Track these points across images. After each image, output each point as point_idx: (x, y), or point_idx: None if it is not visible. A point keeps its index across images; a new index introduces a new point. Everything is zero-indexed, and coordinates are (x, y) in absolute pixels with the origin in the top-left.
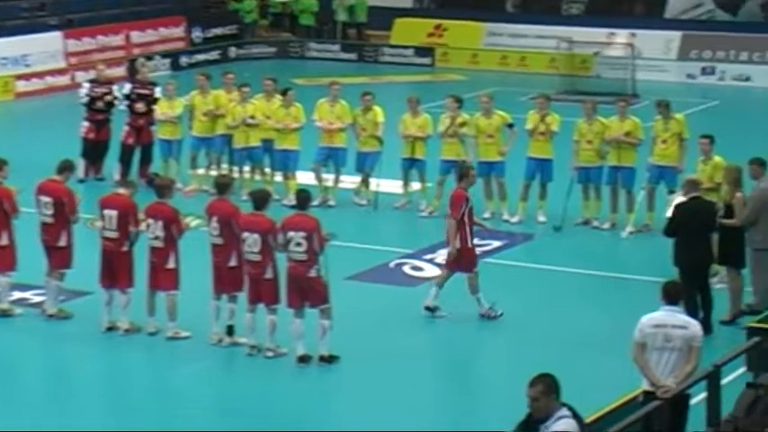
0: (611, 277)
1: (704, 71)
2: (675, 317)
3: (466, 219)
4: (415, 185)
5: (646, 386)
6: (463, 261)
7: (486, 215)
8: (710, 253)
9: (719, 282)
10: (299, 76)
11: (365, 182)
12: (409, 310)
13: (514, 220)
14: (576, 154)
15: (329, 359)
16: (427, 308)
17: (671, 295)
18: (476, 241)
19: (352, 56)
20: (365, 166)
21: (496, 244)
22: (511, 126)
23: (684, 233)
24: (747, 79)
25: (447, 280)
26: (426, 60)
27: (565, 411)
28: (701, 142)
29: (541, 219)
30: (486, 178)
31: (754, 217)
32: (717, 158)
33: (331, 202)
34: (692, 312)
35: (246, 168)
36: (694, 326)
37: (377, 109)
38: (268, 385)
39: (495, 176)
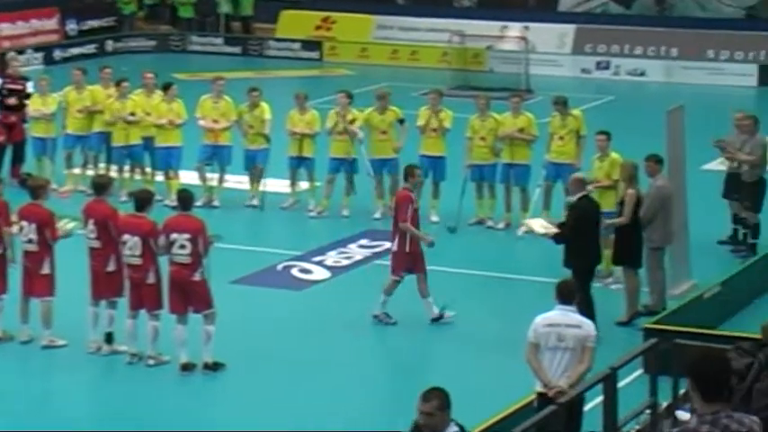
0: (505, 278)
1: (599, 66)
2: (569, 316)
3: (410, 220)
4: (304, 185)
5: (539, 387)
6: (415, 263)
7: (377, 215)
8: (599, 254)
9: (615, 282)
10: (181, 71)
11: (257, 181)
12: (298, 314)
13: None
14: (470, 151)
15: (214, 367)
16: (375, 316)
17: (564, 294)
18: (365, 242)
19: (237, 50)
20: (255, 164)
21: (388, 245)
22: (402, 122)
23: (575, 235)
24: (642, 74)
25: (396, 287)
26: (314, 54)
27: (455, 428)
28: (598, 139)
29: (434, 219)
30: (379, 176)
31: (651, 215)
32: (614, 155)
33: (215, 203)
34: (585, 313)
35: (126, 167)
36: (588, 325)
37: (264, 105)
38: (150, 395)
39: (388, 174)
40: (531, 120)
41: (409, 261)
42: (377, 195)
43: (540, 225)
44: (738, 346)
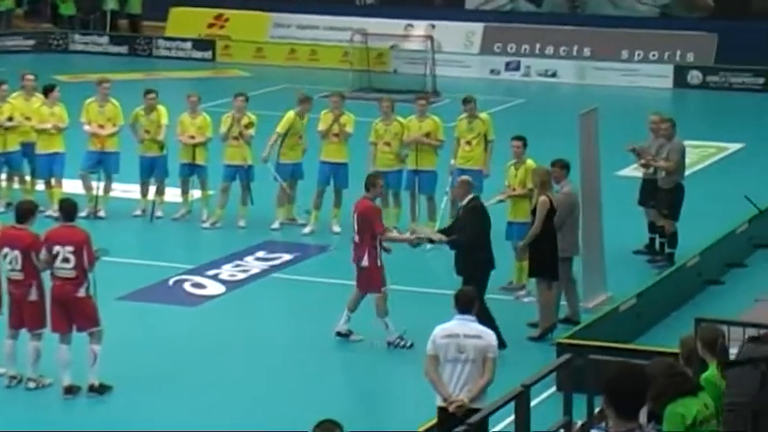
0: (412, 292)
1: (508, 66)
2: (468, 326)
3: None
4: (196, 193)
5: (440, 402)
6: (372, 281)
7: (275, 225)
8: (493, 260)
9: (527, 295)
10: (63, 72)
11: (159, 192)
12: (191, 332)
13: (307, 230)
14: (373, 157)
15: (100, 389)
16: (338, 333)
17: (463, 303)
18: (263, 254)
19: (123, 49)
20: (152, 173)
21: (287, 257)
22: None
23: (475, 239)
24: (554, 75)
25: (359, 302)
26: (206, 54)
27: None
28: (514, 145)
29: (336, 229)
30: (289, 181)
31: (559, 224)
32: (530, 162)
33: (101, 213)
34: (485, 324)
35: (3, 176)
36: (488, 335)
37: (161, 109)
38: (30, 421)
39: (299, 179)
40: (437, 123)
41: (383, 274)
42: (278, 203)
43: (429, 230)
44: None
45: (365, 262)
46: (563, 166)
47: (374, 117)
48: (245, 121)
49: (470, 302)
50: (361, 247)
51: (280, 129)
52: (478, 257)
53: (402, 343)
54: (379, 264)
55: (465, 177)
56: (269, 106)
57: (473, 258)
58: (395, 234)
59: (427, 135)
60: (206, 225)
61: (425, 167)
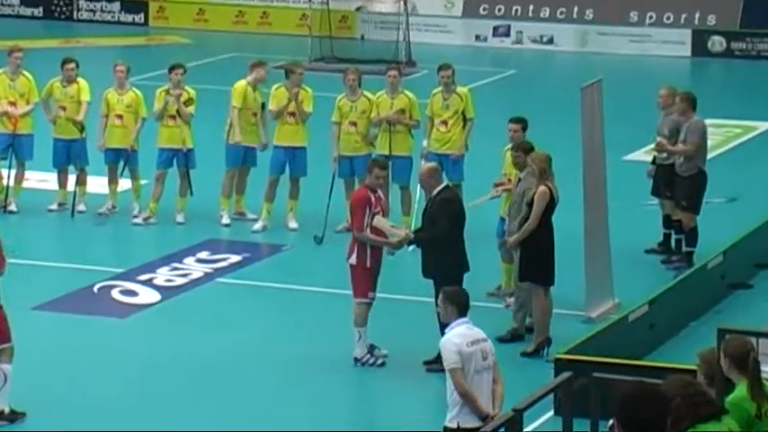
0: (384, 299)
1: (497, 32)
2: (475, 329)
3: (369, 228)
4: (125, 183)
5: (465, 422)
6: (355, 283)
7: (225, 220)
8: (463, 260)
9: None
10: None
11: (81, 183)
12: (120, 347)
13: (257, 226)
14: (337, 140)
15: (11, 417)
16: (357, 360)
17: (467, 305)
18: (206, 255)
19: (37, 11)
20: (68, 159)
21: (234, 259)
22: (263, 107)
23: (447, 235)
24: (550, 41)
25: (367, 312)
26: (137, 17)
27: None
28: (511, 128)
29: (293, 225)
30: (241, 167)
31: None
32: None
33: (12, 207)
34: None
35: None
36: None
37: (82, 83)
38: None
39: (251, 166)
40: (412, 100)
41: (372, 278)
42: (235, 190)
43: (387, 223)
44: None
45: (352, 260)
46: (527, 150)
47: (337, 92)
48: (183, 96)
49: (468, 303)
50: (352, 241)
51: (235, 102)
52: (449, 257)
53: (372, 361)
54: (367, 265)
55: (431, 164)
56: (212, 79)
57: (443, 258)
58: (369, 235)
59: (400, 113)
60: (137, 221)
61: (399, 152)
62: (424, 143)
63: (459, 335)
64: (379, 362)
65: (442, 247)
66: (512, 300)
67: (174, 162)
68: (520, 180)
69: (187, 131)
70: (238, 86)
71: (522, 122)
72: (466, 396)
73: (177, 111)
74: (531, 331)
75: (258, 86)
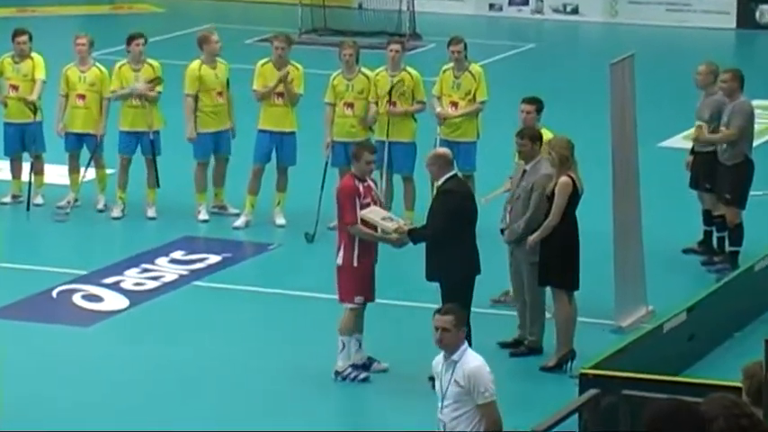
0: (383, 305)
1: (513, 1)
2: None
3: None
4: (89, 173)
5: None
6: (341, 286)
7: (203, 216)
8: (473, 260)
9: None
10: None
11: (37, 172)
12: (82, 360)
13: (240, 222)
14: (331, 123)
15: None
16: (338, 373)
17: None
18: (180, 255)
19: None
20: (27, 145)
21: (213, 259)
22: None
23: (450, 232)
24: (575, 11)
25: (358, 320)
26: None
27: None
28: (524, 110)
29: (280, 221)
30: (217, 158)
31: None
32: (545, 134)
33: None
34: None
35: None
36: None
37: (37, 58)
38: None
39: (227, 156)
40: (416, 78)
41: (361, 280)
42: (214, 183)
43: (380, 214)
44: None
45: (339, 259)
46: (534, 139)
47: (331, 69)
48: (147, 74)
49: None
50: (339, 238)
51: (188, 89)
52: (453, 257)
53: (354, 375)
54: (354, 264)
55: (440, 150)
56: (189, 53)
57: (446, 258)
58: (363, 229)
59: (402, 94)
60: (116, 214)
61: (401, 138)
62: (438, 131)
63: (482, 360)
64: (362, 377)
65: (443, 245)
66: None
67: (139, 147)
68: (525, 172)
69: (155, 113)
70: (190, 70)
71: (536, 103)
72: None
73: (145, 90)
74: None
75: (218, 58)
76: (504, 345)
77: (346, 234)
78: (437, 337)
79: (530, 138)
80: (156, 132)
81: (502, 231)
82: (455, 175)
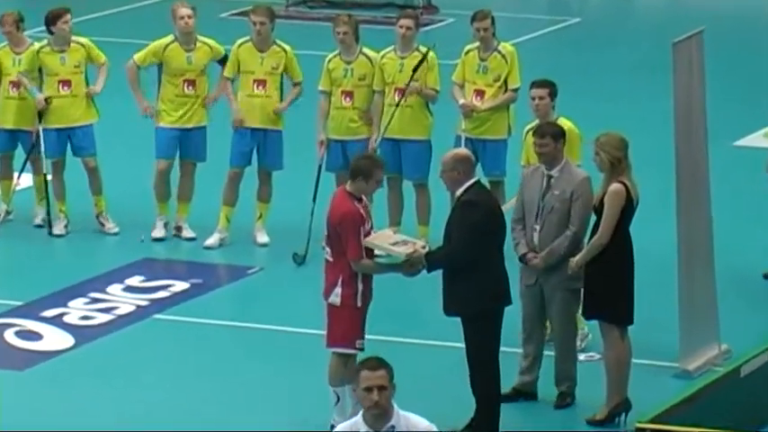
0: (385, 341)
1: None
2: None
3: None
4: (24, 180)
5: None
6: (337, 329)
7: (158, 233)
8: (506, 287)
9: (584, 349)
10: None
11: None
12: (16, 411)
13: (212, 240)
14: (325, 116)
15: None
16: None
17: None
18: (138, 281)
19: None
20: None
21: (179, 286)
22: (222, 63)
23: (469, 255)
24: None
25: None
26: None
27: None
28: (535, 95)
29: (262, 239)
30: (183, 162)
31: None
32: (564, 121)
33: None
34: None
35: None
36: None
37: (84, 41)
38: None
39: (197, 160)
40: (430, 61)
41: (361, 321)
42: (159, 198)
43: (389, 238)
44: None
45: (335, 298)
46: (556, 136)
47: (326, 50)
48: (76, 56)
49: None
50: (334, 269)
51: (138, 59)
52: (476, 284)
53: None
54: (358, 304)
55: (461, 152)
56: (139, 31)
57: (467, 285)
58: (371, 264)
59: (414, 81)
60: (58, 231)
61: (411, 136)
62: (462, 126)
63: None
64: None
65: (463, 270)
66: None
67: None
68: (551, 179)
69: (87, 104)
70: (156, 44)
71: (548, 86)
72: None
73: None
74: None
75: (199, 38)
76: (505, 397)
77: (347, 268)
78: (373, 399)
79: (552, 135)
80: (89, 127)
81: (521, 258)
82: (477, 182)
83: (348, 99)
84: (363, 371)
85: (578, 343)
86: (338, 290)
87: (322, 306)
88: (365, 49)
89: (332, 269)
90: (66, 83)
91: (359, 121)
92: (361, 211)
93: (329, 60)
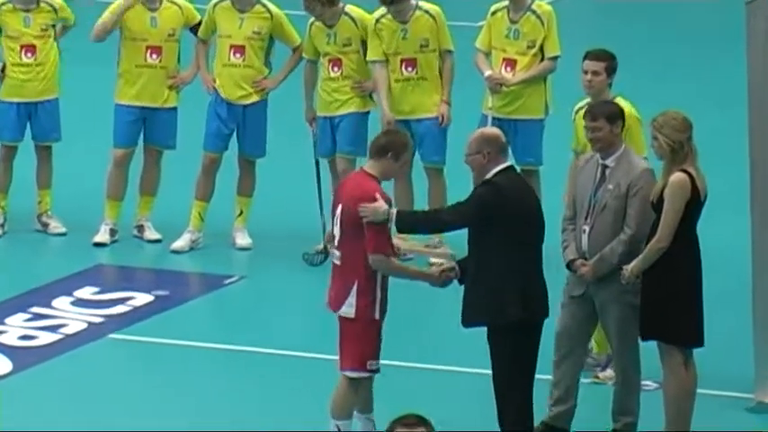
0: (403, 368)
1: None
2: None
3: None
4: None
5: None
6: (349, 345)
7: (101, 237)
8: (545, 295)
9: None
10: None
11: None
12: None
13: (181, 243)
14: (312, 87)
15: None
16: None
17: None
18: (89, 293)
19: None
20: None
21: (141, 299)
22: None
23: (491, 257)
24: None
25: (368, 391)
26: None
27: None
28: (588, 69)
29: (242, 241)
30: (147, 148)
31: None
32: (622, 103)
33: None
34: None
35: None
36: None
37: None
38: None
39: (161, 146)
40: (439, 21)
41: (378, 337)
42: (110, 195)
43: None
44: None
45: (348, 309)
46: (612, 118)
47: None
48: (44, 17)
49: None
50: (346, 274)
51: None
52: (505, 291)
53: None
54: (376, 315)
55: (488, 130)
56: None
57: (492, 291)
58: (401, 265)
59: (423, 47)
60: None
61: (426, 113)
62: (490, 103)
63: None
64: None
65: (487, 270)
66: (607, 372)
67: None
68: (606, 169)
69: (51, 76)
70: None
71: (605, 59)
72: None
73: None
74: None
75: None
76: None
77: (364, 271)
78: None
79: (607, 117)
80: (53, 103)
81: (569, 265)
82: (509, 167)
83: (336, 68)
84: (398, 428)
85: (589, 361)
86: (352, 299)
87: (315, 323)
88: (349, 8)
89: (343, 274)
90: (30, 48)
91: (350, 93)
92: (387, 196)
93: (311, 24)
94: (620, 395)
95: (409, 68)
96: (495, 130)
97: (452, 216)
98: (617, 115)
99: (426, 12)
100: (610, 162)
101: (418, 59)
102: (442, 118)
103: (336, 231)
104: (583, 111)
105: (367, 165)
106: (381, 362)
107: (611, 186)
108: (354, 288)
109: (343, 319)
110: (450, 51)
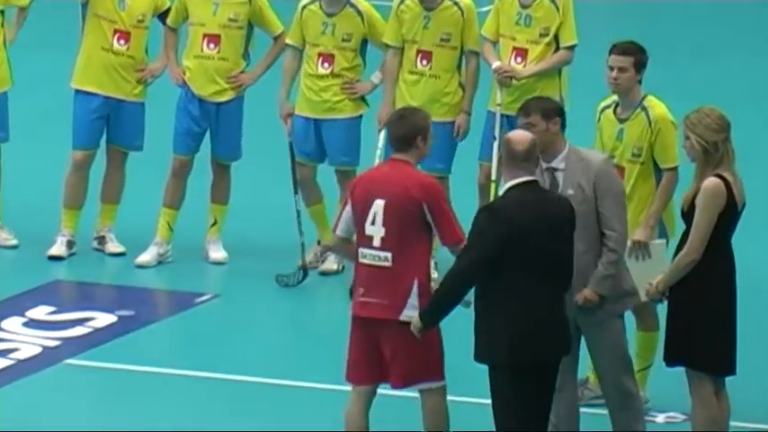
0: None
1: None
2: None
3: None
4: None
5: None
6: (425, 357)
7: (57, 250)
8: (567, 328)
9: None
10: None
11: None
12: None
13: (146, 257)
14: (291, 79)
15: None
16: None
17: None
18: (45, 313)
19: None
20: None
21: (102, 320)
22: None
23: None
24: None
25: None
26: None
27: None
28: (615, 64)
29: (217, 254)
30: (111, 148)
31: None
32: (654, 102)
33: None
34: None
35: None
36: None
37: None
38: None
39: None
40: (469, 9)
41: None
42: (67, 202)
43: None
44: None
45: (411, 310)
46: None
47: None
48: None
49: None
50: (405, 273)
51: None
52: (508, 325)
53: None
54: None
55: (519, 133)
56: None
57: (495, 325)
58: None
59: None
60: None
61: (435, 116)
62: (498, 100)
63: None
64: None
65: (486, 298)
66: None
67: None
68: (556, 173)
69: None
70: None
71: (633, 54)
72: None
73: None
74: None
75: None
76: None
77: (425, 267)
78: None
79: (542, 113)
80: (2, 97)
81: None
82: (525, 182)
83: (327, 64)
84: None
85: (587, 393)
86: (414, 300)
87: (297, 348)
88: None
89: (395, 275)
90: None
91: (342, 95)
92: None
93: (304, 7)
94: (625, 420)
95: (424, 62)
96: (527, 134)
97: (468, 267)
98: (555, 111)
99: (456, 3)
100: (556, 164)
101: (434, 54)
102: (458, 130)
103: (374, 230)
104: (609, 110)
105: (396, 154)
106: (382, 392)
107: (570, 192)
108: (415, 288)
109: (404, 328)
110: (475, 53)
